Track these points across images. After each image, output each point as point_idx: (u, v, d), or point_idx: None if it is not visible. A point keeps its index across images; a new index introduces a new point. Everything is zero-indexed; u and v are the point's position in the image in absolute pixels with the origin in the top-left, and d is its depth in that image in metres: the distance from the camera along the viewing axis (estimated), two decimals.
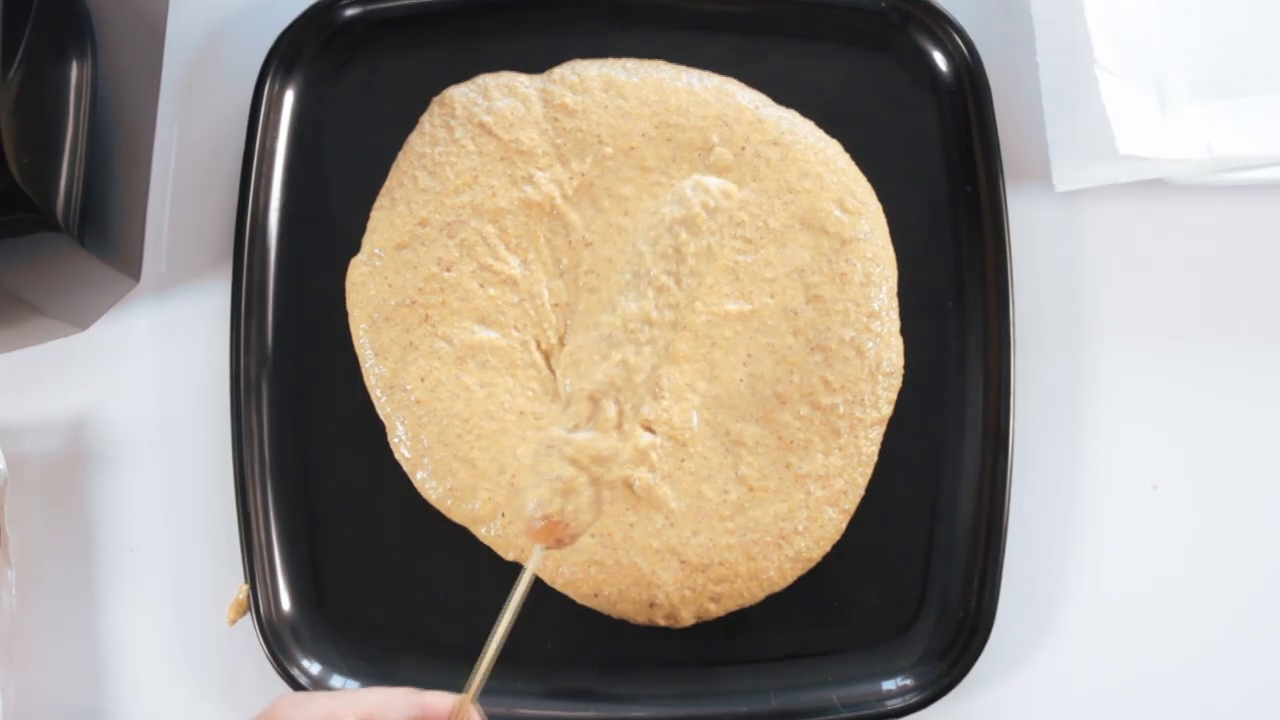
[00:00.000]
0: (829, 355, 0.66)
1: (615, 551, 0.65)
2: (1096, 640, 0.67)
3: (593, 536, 0.65)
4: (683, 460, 0.66)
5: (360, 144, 0.71)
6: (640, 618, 0.65)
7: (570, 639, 0.66)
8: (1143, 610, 0.67)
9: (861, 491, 0.66)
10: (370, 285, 0.68)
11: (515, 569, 0.66)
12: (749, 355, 0.66)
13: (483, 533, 0.66)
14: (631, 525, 0.65)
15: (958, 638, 0.65)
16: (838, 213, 0.67)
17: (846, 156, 0.69)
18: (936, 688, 0.64)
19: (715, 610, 0.65)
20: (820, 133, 0.69)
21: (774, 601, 0.66)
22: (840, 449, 0.66)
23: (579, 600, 0.66)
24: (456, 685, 0.66)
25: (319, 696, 0.52)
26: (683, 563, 0.65)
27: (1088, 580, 0.67)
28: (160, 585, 0.68)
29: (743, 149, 0.67)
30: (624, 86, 0.69)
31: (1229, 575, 0.67)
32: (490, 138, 0.69)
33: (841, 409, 0.66)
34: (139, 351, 0.70)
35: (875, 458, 0.66)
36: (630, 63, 0.70)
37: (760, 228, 0.67)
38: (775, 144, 0.67)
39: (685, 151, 0.68)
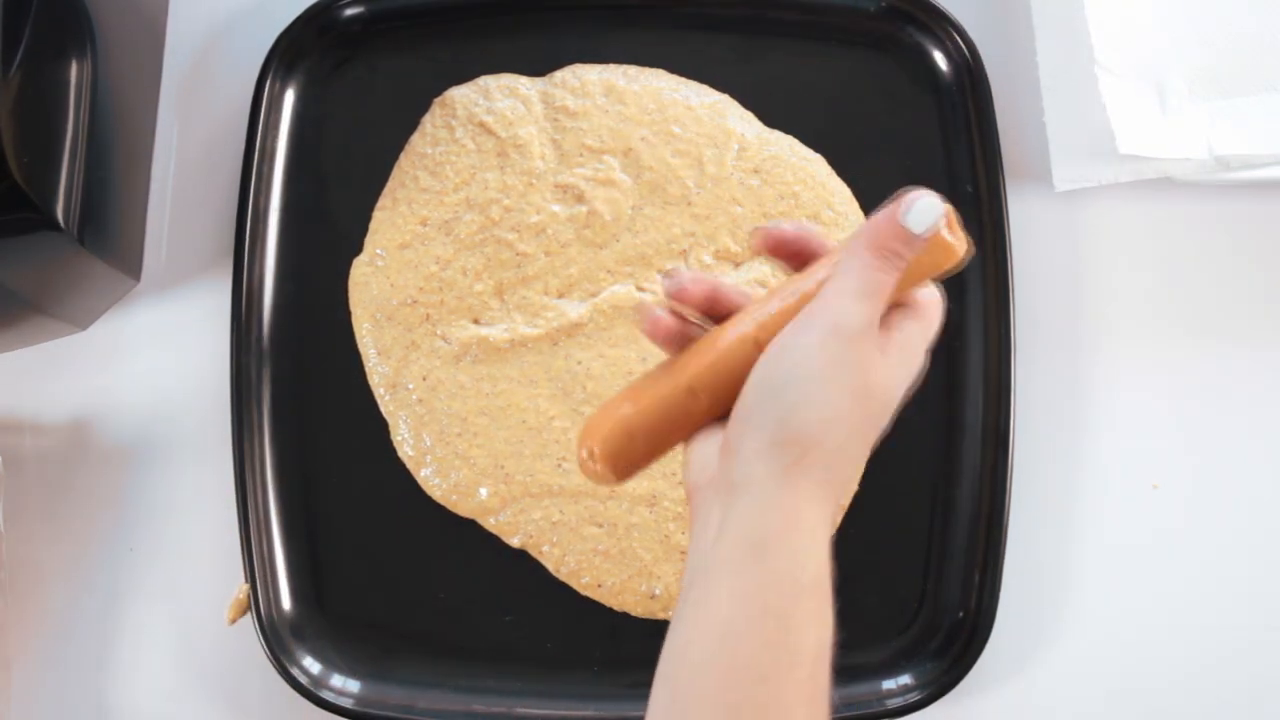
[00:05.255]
0: None
1: (619, 541, 0.65)
2: (1096, 640, 0.67)
3: (599, 526, 0.66)
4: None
5: (360, 144, 0.71)
6: (640, 610, 0.65)
7: (570, 639, 0.66)
8: (1142, 609, 0.67)
9: (854, 487, 0.66)
10: (373, 285, 0.68)
11: (516, 565, 0.66)
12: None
13: (491, 522, 0.66)
14: (633, 515, 0.66)
15: (958, 638, 0.65)
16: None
17: (829, 170, 0.69)
18: (936, 687, 0.64)
19: None
20: (804, 150, 0.69)
21: None
22: None
23: (582, 591, 0.66)
24: (456, 685, 0.66)
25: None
26: (683, 553, 0.65)
27: (1088, 580, 0.67)
28: (160, 585, 0.68)
29: (729, 175, 0.68)
30: (624, 93, 0.69)
31: (1229, 575, 0.67)
32: (489, 136, 0.69)
33: None
34: (139, 351, 0.70)
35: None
36: (631, 70, 0.70)
37: (721, 251, 0.68)
38: (756, 171, 0.68)
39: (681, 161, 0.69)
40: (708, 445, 0.47)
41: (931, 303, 0.48)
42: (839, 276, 0.45)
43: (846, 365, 0.44)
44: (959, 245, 0.46)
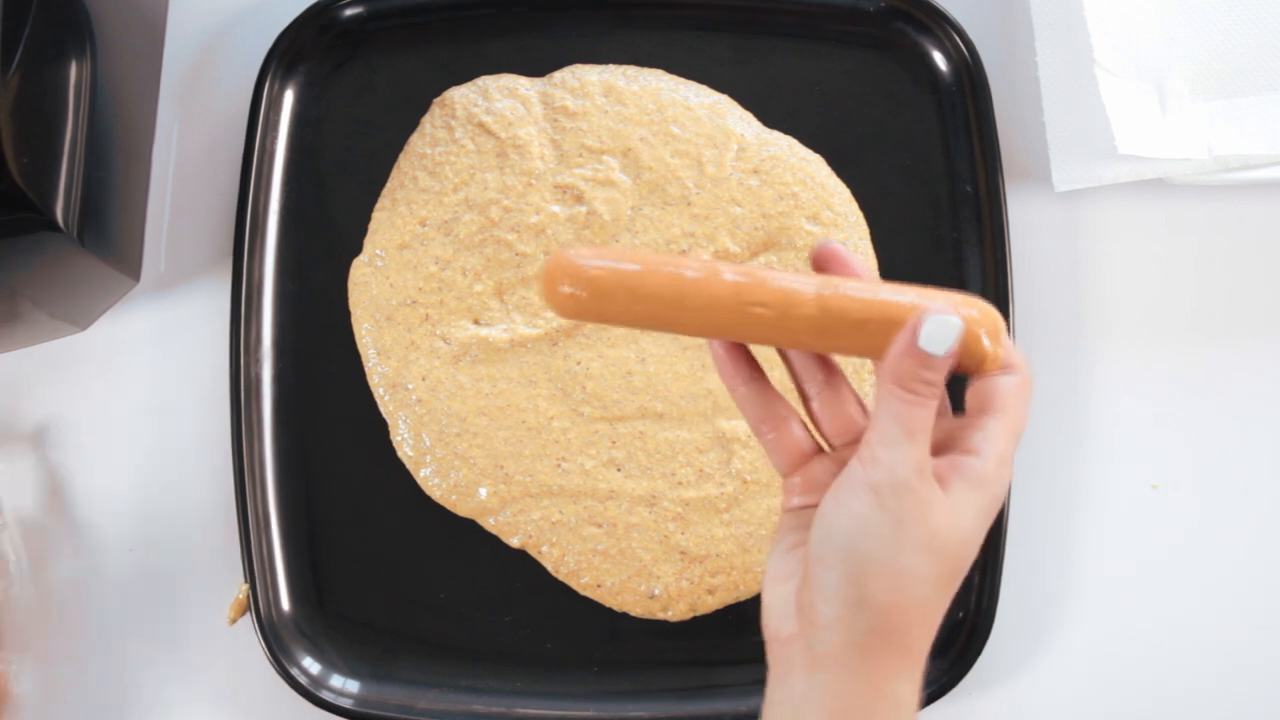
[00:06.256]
0: None
1: (619, 541, 0.65)
2: (1096, 640, 0.67)
3: (598, 526, 0.66)
4: (675, 455, 0.66)
5: (360, 144, 0.71)
6: (640, 610, 0.66)
7: (570, 639, 0.66)
8: (1142, 610, 0.67)
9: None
10: (372, 285, 0.68)
11: (515, 565, 0.66)
12: None
13: (490, 522, 0.66)
14: (633, 515, 0.66)
15: (958, 638, 0.65)
16: (809, 226, 0.68)
17: (828, 170, 0.69)
18: (936, 687, 0.64)
19: (712, 603, 0.65)
20: (803, 150, 0.69)
21: None
22: None
23: (581, 591, 0.66)
24: (456, 685, 0.66)
25: None
26: (682, 554, 0.65)
27: (1087, 580, 0.67)
28: (160, 585, 0.68)
29: (728, 175, 0.68)
30: (624, 93, 0.69)
31: (1228, 575, 0.67)
32: (489, 136, 0.69)
33: None
34: (139, 351, 0.70)
35: None
36: (631, 70, 0.70)
37: (721, 251, 0.68)
38: (755, 172, 0.68)
39: (680, 161, 0.69)
40: (784, 593, 0.44)
41: (1009, 397, 0.43)
42: (876, 424, 0.41)
43: (905, 521, 0.40)
44: (994, 349, 0.42)
